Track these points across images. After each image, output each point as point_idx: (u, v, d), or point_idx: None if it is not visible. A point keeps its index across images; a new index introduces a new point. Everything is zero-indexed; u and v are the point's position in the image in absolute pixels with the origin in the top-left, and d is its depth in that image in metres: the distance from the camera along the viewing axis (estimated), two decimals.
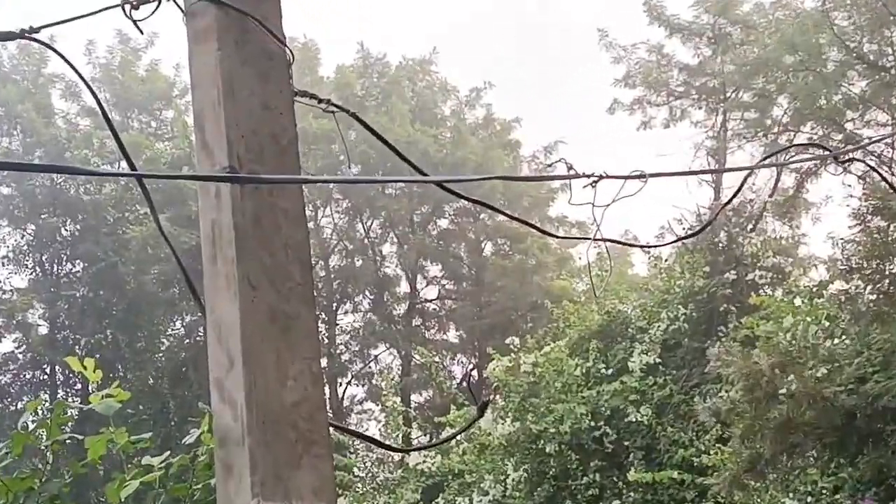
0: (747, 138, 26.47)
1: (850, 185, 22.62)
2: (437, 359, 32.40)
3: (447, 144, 37.96)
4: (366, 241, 39.37)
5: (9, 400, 38.92)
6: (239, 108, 3.42)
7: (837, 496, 14.87)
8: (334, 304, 38.70)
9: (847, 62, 22.81)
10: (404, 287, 40.10)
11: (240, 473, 3.18)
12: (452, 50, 60.64)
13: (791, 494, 15.35)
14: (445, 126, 39.32)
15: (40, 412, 4.54)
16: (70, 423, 4.32)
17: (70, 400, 37.72)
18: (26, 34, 3.43)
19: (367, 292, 39.70)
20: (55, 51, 3.70)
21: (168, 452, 4.18)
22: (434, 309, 40.56)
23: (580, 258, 35.84)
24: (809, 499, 15.25)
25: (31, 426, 4.30)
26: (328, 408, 3.62)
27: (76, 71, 3.86)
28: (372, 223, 39.56)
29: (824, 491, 15.12)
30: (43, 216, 38.97)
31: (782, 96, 24.94)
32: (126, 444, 4.15)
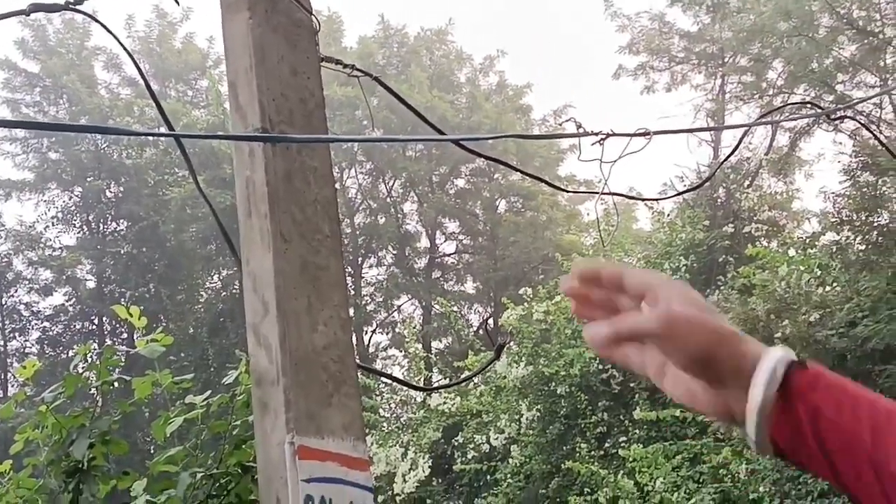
0: (744, 100, 26.33)
1: (840, 143, 22.55)
2: (455, 308, 32.46)
3: (463, 109, 37.87)
4: (388, 200, 39.39)
5: (60, 349, 39.30)
6: (269, 73, 3.42)
7: None
8: (360, 259, 38.79)
9: (838, 28, 22.63)
10: (424, 242, 40.17)
11: (275, 411, 3.22)
12: (467, 20, 60.42)
13: None
14: (461, 92, 39.21)
15: (89, 358, 4.58)
16: (117, 367, 4.33)
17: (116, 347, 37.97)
18: (70, 5, 3.43)
19: (389, 247, 39.77)
20: (99, 22, 3.70)
21: (209, 392, 4.22)
22: (452, 262, 40.64)
23: (588, 214, 35.90)
24: None
25: (82, 370, 4.34)
26: (356, 352, 3.65)
27: (119, 41, 3.87)
28: (394, 183, 39.56)
29: None
30: (89, 179, 39.17)
31: (777, 60, 24.77)
32: (170, 385, 4.18)
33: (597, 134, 4.13)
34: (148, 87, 4.24)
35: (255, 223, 3.37)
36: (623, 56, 28.06)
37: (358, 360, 3.60)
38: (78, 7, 3.38)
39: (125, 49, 4.07)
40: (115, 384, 4.23)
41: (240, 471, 3.96)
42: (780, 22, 22.97)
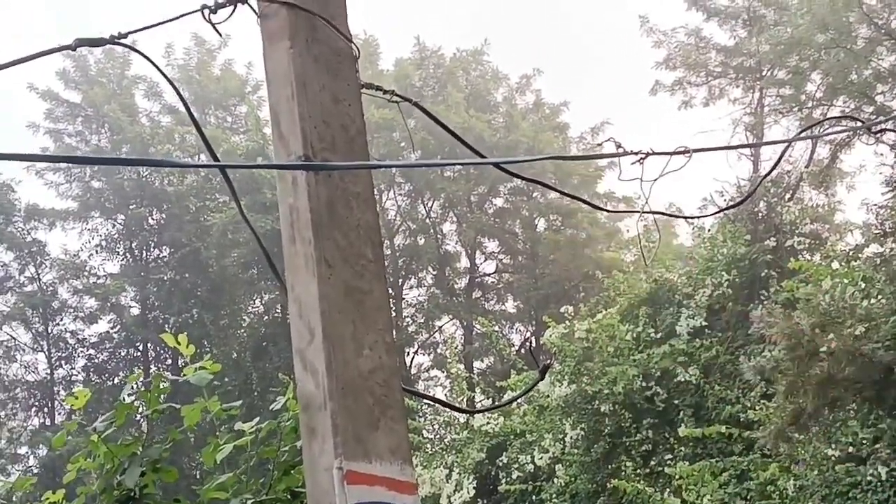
0: (783, 113, 26.17)
1: (882, 154, 22.31)
2: (496, 328, 32.44)
3: (500, 129, 37.87)
4: (427, 220, 39.44)
5: (106, 376, 39.58)
6: (311, 102, 3.46)
7: (877, 446, 14.72)
8: (400, 280, 38.83)
9: (876, 38, 22.47)
10: (464, 262, 40.17)
11: (323, 436, 3.24)
12: (503, 42, 60.59)
13: (833, 445, 15.22)
14: (498, 112, 39.21)
15: (135, 386, 4.63)
16: (164, 395, 4.37)
17: (162, 373, 38.23)
18: (115, 40, 3.49)
19: (429, 268, 39.78)
20: (142, 54, 3.75)
21: (257, 419, 4.25)
22: (492, 282, 40.59)
23: (628, 231, 35.71)
24: (851, 449, 15.11)
25: (129, 398, 4.38)
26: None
27: (161, 72, 3.92)
28: (433, 204, 39.61)
29: (864, 441, 14.97)
30: (131, 207, 39.54)
31: (815, 73, 24.62)
32: (219, 412, 4.23)
33: (637, 153, 4.13)
34: (191, 115, 4.29)
35: (300, 249, 3.41)
36: (660, 72, 28.03)
37: (402, 384, 3.61)
38: (122, 41, 3.43)
39: (167, 78, 4.14)
40: (164, 412, 4.27)
41: (289, 496, 3.99)
42: (818, 34, 22.85)
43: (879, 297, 14.81)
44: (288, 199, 3.44)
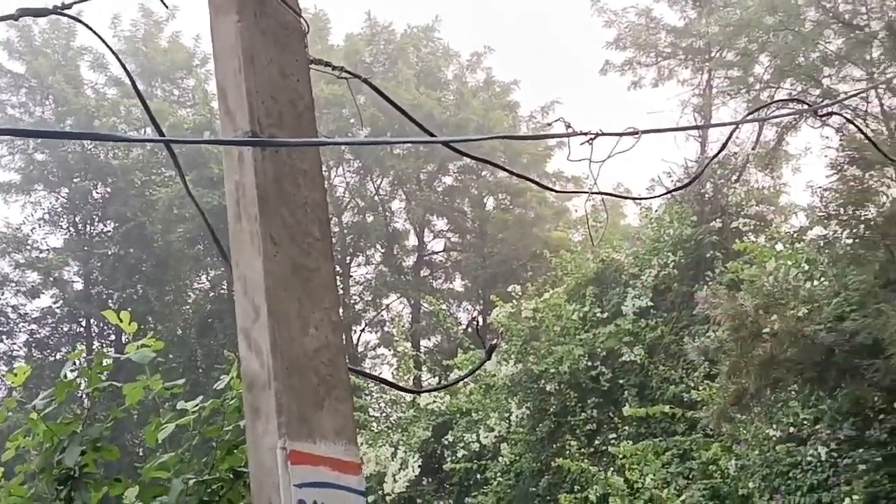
0: (731, 95, 26.32)
1: (827, 137, 22.59)
2: (444, 306, 32.47)
3: (450, 106, 37.83)
4: (376, 198, 39.32)
5: (48, 351, 39.14)
6: (259, 76, 3.42)
7: (818, 426, 14.93)
8: (348, 258, 38.73)
9: (824, 21, 22.67)
10: (412, 240, 40.14)
11: (267, 415, 3.21)
12: (454, 17, 60.44)
13: (774, 426, 15.43)
14: (448, 89, 39.16)
15: (79, 363, 4.56)
16: (106, 372, 4.31)
17: (105, 350, 37.95)
18: (59, 10, 3.42)
19: (378, 246, 39.72)
20: (87, 26, 3.69)
21: (200, 398, 4.21)
22: (441, 260, 40.62)
23: (576, 210, 35.82)
24: (792, 429, 15.32)
25: (71, 376, 4.32)
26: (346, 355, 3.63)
27: (105, 43, 3.85)
28: (381, 181, 39.50)
29: (805, 422, 15.19)
30: (75, 180, 39.02)
31: (763, 55, 24.77)
32: (161, 391, 4.18)
33: (586, 134, 4.13)
34: (136, 89, 4.22)
35: (245, 227, 3.36)
36: (610, 52, 28.04)
37: (348, 363, 3.59)
38: (66, 12, 3.36)
39: (113, 52, 4.06)
40: (106, 390, 4.21)
41: (232, 476, 3.96)
42: (766, 16, 22.99)
43: (822, 279, 15.01)
44: (234, 175, 3.40)
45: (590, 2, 27.86)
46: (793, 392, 14.86)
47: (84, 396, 4.28)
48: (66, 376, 4.19)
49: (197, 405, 4.12)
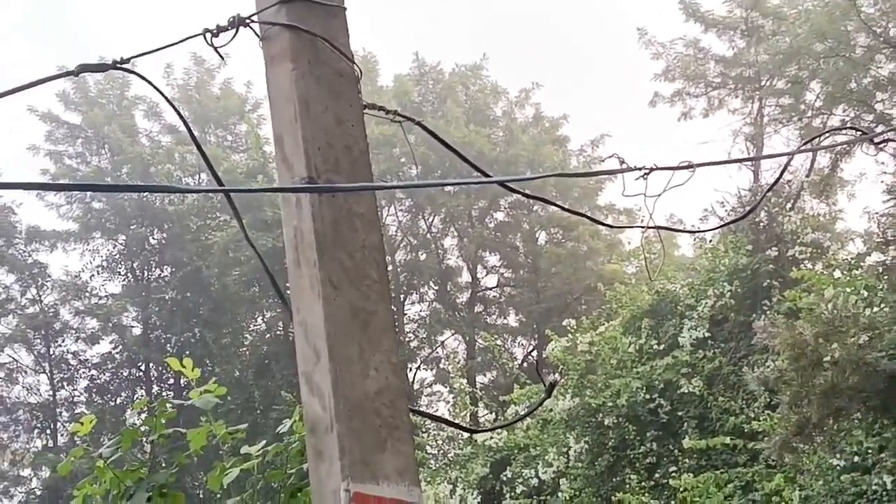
0: (783, 123, 26.20)
1: (883, 163, 22.34)
2: (499, 342, 32.40)
3: (500, 143, 37.92)
4: (428, 235, 39.46)
5: (108, 396, 39.61)
6: (314, 124, 3.46)
7: (882, 455, 14.69)
8: (402, 296, 38.84)
9: (874, 47, 22.51)
10: (466, 277, 40.17)
11: (330, 458, 3.23)
12: (502, 56, 60.73)
13: (838, 455, 15.19)
14: (498, 126, 39.27)
15: (142, 410, 4.62)
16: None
17: (164, 394, 38.30)
18: (117, 65, 3.49)
19: (431, 283, 39.79)
20: (144, 78, 3.76)
21: (264, 442, 4.24)
22: (494, 296, 40.57)
23: (629, 243, 35.69)
24: (856, 458, 15.08)
25: (136, 421, 4.38)
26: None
27: (162, 94, 3.93)
28: (433, 219, 39.64)
29: (870, 451, 14.94)
30: (132, 227, 39.58)
31: (814, 81, 24.65)
32: (224, 435, 4.21)
33: (640, 168, 4.13)
34: (193, 137, 4.28)
35: (305, 271, 3.40)
36: (659, 83, 28.08)
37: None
38: (124, 66, 3.43)
39: (169, 101, 4.14)
40: (170, 436, 4.26)
41: None
42: (816, 43, 22.89)
43: (882, 305, 14.80)
44: (293, 221, 3.44)
45: (637, 35, 27.89)
46: (856, 420, 14.62)
47: (147, 443, 4.33)
48: (134, 424, 4.24)
49: (260, 449, 4.15)
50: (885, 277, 14.91)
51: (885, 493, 14.36)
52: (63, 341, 39.81)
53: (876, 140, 5.56)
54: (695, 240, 23.45)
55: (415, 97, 37.87)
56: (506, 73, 64.00)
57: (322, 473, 3.26)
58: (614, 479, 19.47)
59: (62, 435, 38.58)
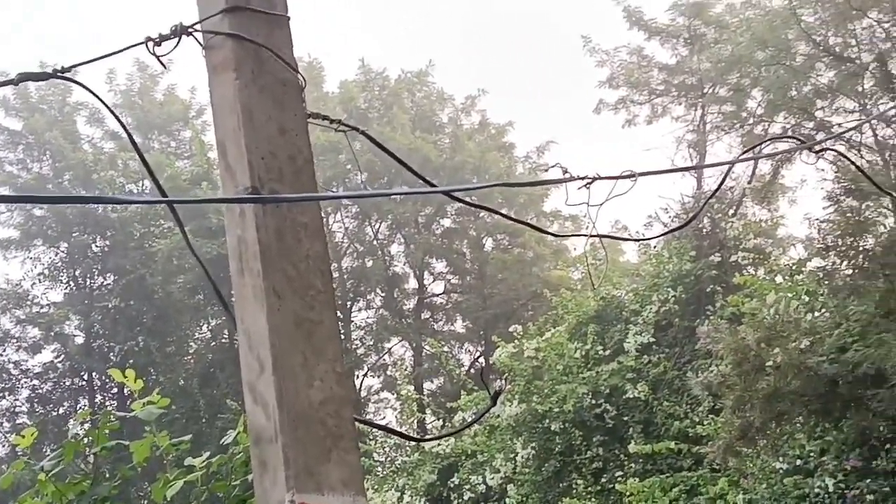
0: (725, 130, 26.46)
1: (822, 170, 22.59)
2: (446, 348, 32.43)
3: (446, 150, 37.97)
4: (375, 242, 39.38)
5: (50, 406, 39.07)
6: (258, 133, 3.45)
7: (824, 458, 14.89)
8: (348, 303, 38.71)
9: (815, 55, 22.81)
10: (412, 283, 40.12)
11: (274, 469, 3.22)
12: (448, 63, 60.84)
13: (781, 458, 15.38)
14: (444, 132, 39.30)
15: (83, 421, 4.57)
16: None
17: (107, 403, 37.86)
18: (58, 74, 3.46)
19: (378, 290, 39.71)
20: (86, 87, 3.72)
21: (208, 454, 4.21)
22: (441, 302, 40.59)
23: (575, 249, 35.90)
24: (798, 462, 15.27)
25: (79, 432, 4.33)
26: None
27: (104, 104, 3.90)
28: (380, 226, 39.57)
29: (812, 454, 15.14)
30: (74, 234, 39.08)
31: (756, 89, 24.92)
32: (168, 447, 4.19)
33: (583, 178, 4.16)
34: (135, 145, 4.24)
35: (248, 281, 3.39)
36: (603, 90, 28.23)
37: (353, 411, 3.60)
38: (65, 75, 3.40)
39: (111, 110, 4.12)
40: (113, 448, 4.22)
41: None
42: (758, 51, 23.16)
43: (823, 310, 15.02)
44: (236, 230, 3.42)
45: (581, 42, 28.06)
46: (798, 424, 14.81)
47: (90, 455, 4.29)
48: (76, 437, 4.20)
49: (204, 461, 4.13)
50: (826, 283, 15.13)
51: (826, 495, 14.56)
52: (4, 351, 39.18)
53: (815, 149, 5.65)
54: (639, 246, 23.64)
55: (361, 103, 37.82)
56: (451, 80, 64.15)
57: (267, 484, 3.25)
58: (561, 485, 19.56)
59: (3, 446, 37.99)
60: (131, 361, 34.91)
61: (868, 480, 14.08)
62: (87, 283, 39.98)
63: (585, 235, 4.73)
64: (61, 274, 39.85)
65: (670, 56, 28.05)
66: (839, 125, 22.68)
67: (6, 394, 39.06)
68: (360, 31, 60.62)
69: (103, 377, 38.18)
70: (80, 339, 39.47)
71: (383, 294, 39.66)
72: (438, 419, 28.33)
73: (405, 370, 34.05)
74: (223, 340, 37.48)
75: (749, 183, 25.08)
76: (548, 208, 38.20)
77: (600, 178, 4.20)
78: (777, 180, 25.31)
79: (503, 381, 20.94)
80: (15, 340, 39.21)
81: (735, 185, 24.50)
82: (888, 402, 12.93)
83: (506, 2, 55.40)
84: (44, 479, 4.04)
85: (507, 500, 20.28)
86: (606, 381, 19.88)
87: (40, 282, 39.41)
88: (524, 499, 20.02)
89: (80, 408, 37.08)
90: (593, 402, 19.75)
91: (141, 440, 4.17)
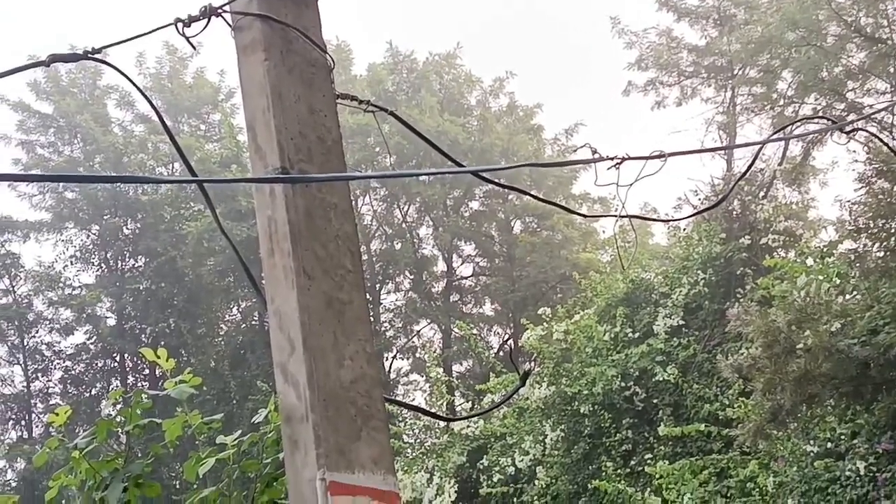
0: (755, 111, 26.28)
1: (854, 151, 22.39)
2: (475, 331, 32.43)
3: (474, 132, 37.91)
4: (403, 225, 39.44)
5: (83, 387, 39.43)
6: (287, 114, 3.46)
7: (855, 441, 14.82)
8: (377, 285, 38.81)
9: (846, 36, 22.60)
10: (441, 266, 40.18)
11: (305, 447, 3.24)
12: (476, 45, 60.69)
13: (811, 441, 15.31)
14: (472, 115, 39.25)
15: (117, 401, 4.61)
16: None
17: (139, 384, 38.18)
18: (89, 55, 3.48)
19: (406, 272, 39.77)
20: (116, 68, 3.74)
21: (239, 432, 4.24)
22: (470, 285, 40.62)
23: (604, 231, 35.84)
24: (829, 445, 15.20)
25: (112, 412, 4.38)
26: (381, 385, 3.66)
27: (135, 84, 3.91)
28: (409, 208, 39.61)
29: (843, 437, 15.07)
30: (105, 217, 39.37)
31: (786, 71, 24.72)
32: (200, 426, 4.22)
33: (612, 158, 4.15)
34: (166, 127, 4.27)
35: (279, 261, 3.40)
36: (632, 72, 28.09)
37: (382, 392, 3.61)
38: (95, 56, 3.42)
39: (142, 92, 4.13)
40: (145, 427, 4.26)
41: None
42: (788, 32, 22.96)
43: (854, 292, 14.90)
44: (266, 210, 3.44)
45: (610, 24, 27.92)
46: (829, 407, 14.73)
47: (122, 433, 4.33)
48: (109, 415, 4.25)
49: (236, 439, 4.15)
50: (857, 265, 15.00)
51: (857, 478, 14.49)
52: (37, 332, 39.62)
53: (846, 129, 5.59)
54: (668, 228, 23.58)
55: (389, 86, 37.79)
56: (480, 62, 64.05)
57: (297, 463, 3.27)
58: (590, 467, 19.56)
59: (37, 426, 38.43)
60: (162, 343, 35.09)
61: None
62: (119, 265, 40.29)
63: (615, 216, 4.72)
64: (93, 256, 40.19)
65: (700, 37, 27.89)
66: (870, 106, 22.45)
67: (40, 375, 39.51)
68: (388, 14, 60.60)
69: (135, 359, 38.52)
70: (111, 321, 39.81)
71: (412, 277, 39.72)
72: (467, 401, 28.38)
73: (434, 352, 34.06)
74: (253, 322, 37.67)
75: (779, 165, 24.89)
76: (576, 191, 38.16)
77: (630, 157, 4.18)
78: (808, 162, 25.11)
79: (532, 364, 20.94)
80: (48, 322, 39.64)
81: (765, 167, 24.31)
82: None
83: None
84: (77, 457, 4.08)
85: (536, 482, 20.30)
86: (636, 364, 19.85)
87: (72, 264, 39.79)
88: (553, 481, 20.03)
89: (113, 388, 37.40)
90: (622, 384, 19.73)
91: (173, 419, 4.21)
